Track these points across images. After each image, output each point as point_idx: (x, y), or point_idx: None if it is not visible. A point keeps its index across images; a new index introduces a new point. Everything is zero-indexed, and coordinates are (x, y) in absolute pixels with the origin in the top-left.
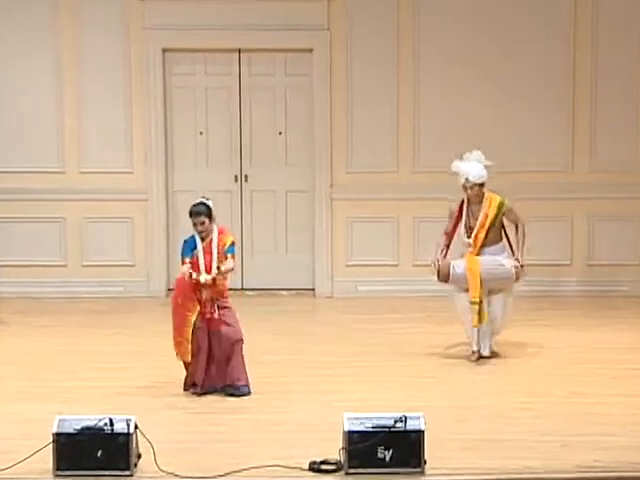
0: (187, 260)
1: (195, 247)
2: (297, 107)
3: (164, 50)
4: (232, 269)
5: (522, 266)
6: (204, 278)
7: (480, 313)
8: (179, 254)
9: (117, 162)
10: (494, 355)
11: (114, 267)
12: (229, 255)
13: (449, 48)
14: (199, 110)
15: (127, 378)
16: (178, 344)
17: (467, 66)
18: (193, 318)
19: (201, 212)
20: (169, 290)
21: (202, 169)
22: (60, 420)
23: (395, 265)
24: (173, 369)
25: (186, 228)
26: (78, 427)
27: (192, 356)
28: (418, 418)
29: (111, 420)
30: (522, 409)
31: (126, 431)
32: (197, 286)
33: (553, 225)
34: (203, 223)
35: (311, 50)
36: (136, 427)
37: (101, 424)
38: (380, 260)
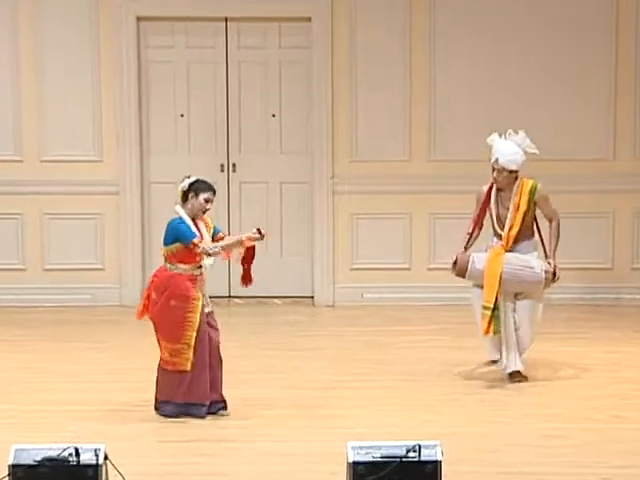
0: (196, 240)
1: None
2: (293, 85)
3: (138, 19)
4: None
5: (554, 272)
6: (209, 262)
7: (492, 321)
8: (162, 240)
9: (84, 149)
10: (519, 376)
11: (81, 271)
12: (222, 233)
13: (471, 15)
14: (179, 88)
15: (96, 400)
16: (176, 353)
17: (492, 37)
18: (197, 318)
19: (213, 189)
20: None
21: (183, 157)
22: (17, 450)
23: (407, 269)
24: (149, 390)
25: (164, 225)
26: (38, 458)
27: (197, 370)
28: (434, 447)
29: (77, 450)
30: (556, 436)
31: (94, 462)
32: (195, 279)
33: (591, 222)
34: (212, 201)
35: (309, 19)
36: (106, 457)
37: (65, 454)
38: (390, 263)
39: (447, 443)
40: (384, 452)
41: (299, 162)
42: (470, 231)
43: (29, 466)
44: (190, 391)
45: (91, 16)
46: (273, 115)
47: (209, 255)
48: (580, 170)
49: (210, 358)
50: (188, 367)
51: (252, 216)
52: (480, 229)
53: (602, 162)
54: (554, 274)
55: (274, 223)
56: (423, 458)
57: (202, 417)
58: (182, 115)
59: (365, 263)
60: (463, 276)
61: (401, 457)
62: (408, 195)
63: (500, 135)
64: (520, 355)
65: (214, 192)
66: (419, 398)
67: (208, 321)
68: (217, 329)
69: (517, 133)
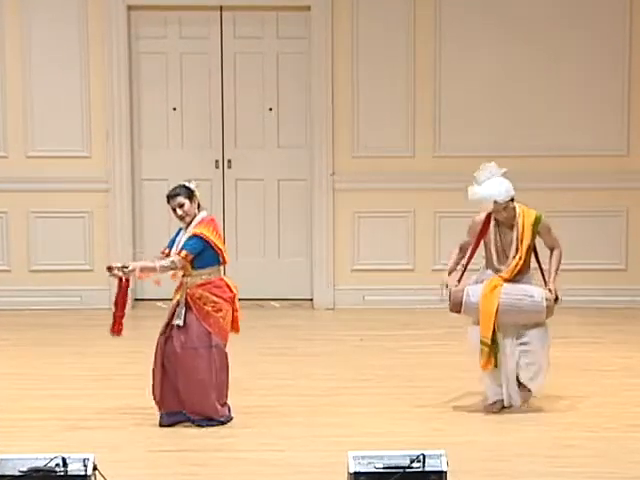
0: (165, 250)
1: (174, 239)
2: (291, 77)
3: (129, 8)
4: (153, 269)
5: (556, 298)
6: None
7: (490, 356)
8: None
9: (72, 144)
10: (525, 398)
11: (68, 273)
12: (183, 251)
13: (478, 5)
14: (172, 81)
15: (85, 408)
16: None
17: (500, 27)
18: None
19: (178, 193)
20: (136, 300)
21: (176, 153)
22: (1, 460)
23: (411, 270)
24: (141, 397)
25: (156, 224)
26: (24, 468)
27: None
28: (439, 457)
29: (64, 459)
30: (567, 446)
31: (83, 473)
32: (179, 286)
33: (604, 221)
34: (182, 205)
35: (309, 7)
36: (95, 468)
37: (52, 464)
38: (392, 264)
39: (453, 452)
40: (387, 462)
41: (297, 158)
42: (461, 261)
43: (14, 477)
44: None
45: (79, 5)
46: (270, 109)
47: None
48: (592, 167)
49: (170, 369)
50: None
51: (248, 215)
52: (469, 261)
53: (615, 158)
54: (556, 298)
55: (271, 222)
56: (427, 468)
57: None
58: (175, 109)
59: (367, 264)
60: (458, 311)
61: (404, 467)
62: (412, 192)
63: (473, 184)
64: (533, 388)
65: (175, 195)
66: (424, 405)
67: (178, 335)
68: (183, 346)
69: (482, 169)
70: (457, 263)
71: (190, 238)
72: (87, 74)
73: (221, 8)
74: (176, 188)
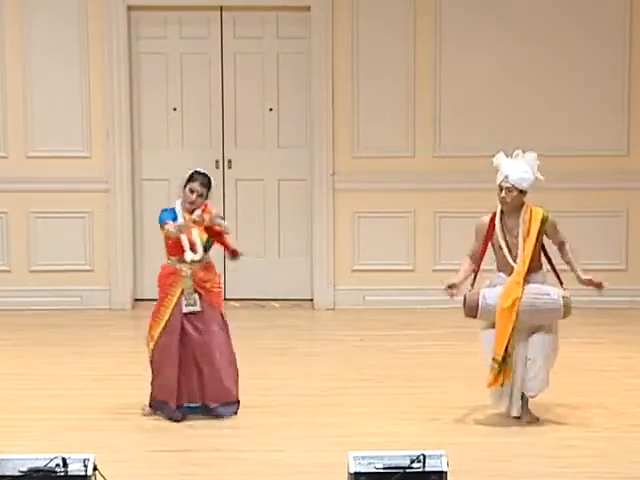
0: (166, 223)
1: (175, 218)
2: (291, 77)
3: (129, 8)
4: (228, 229)
5: (600, 284)
6: (190, 256)
7: (500, 374)
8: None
9: (72, 144)
10: (531, 420)
11: (68, 273)
12: (221, 223)
13: (478, 4)
14: (172, 81)
15: (85, 408)
16: (146, 342)
17: (501, 27)
18: (167, 313)
19: (203, 182)
20: (136, 301)
21: (176, 153)
22: (1, 460)
23: (411, 270)
24: (141, 397)
25: (156, 224)
26: (24, 468)
27: (156, 364)
28: (439, 457)
29: (64, 460)
30: (568, 446)
31: (83, 473)
32: (177, 273)
33: (604, 221)
34: (201, 195)
35: (309, 8)
36: (95, 468)
37: (52, 465)
38: (393, 264)
39: (453, 453)
40: (387, 462)
41: (298, 158)
42: (476, 268)
43: (14, 477)
44: (159, 387)
45: (79, 5)
46: (270, 109)
47: (172, 234)
48: (592, 167)
49: (186, 358)
50: (150, 358)
51: (248, 215)
52: (479, 265)
53: (615, 158)
54: (600, 283)
55: (272, 222)
56: (428, 468)
57: (172, 419)
58: (175, 109)
59: (367, 264)
60: (474, 316)
61: (405, 468)
62: (412, 193)
63: (507, 156)
64: (530, 396)
65: (202, 183)
66: (424, 405)
67: (192, 322)
68: (201, 331)
69: (525, 152)
70: (467, 275)
71: (216, 215)
72: (87, 74)
73: (221, 8)
74: (205, 175)
